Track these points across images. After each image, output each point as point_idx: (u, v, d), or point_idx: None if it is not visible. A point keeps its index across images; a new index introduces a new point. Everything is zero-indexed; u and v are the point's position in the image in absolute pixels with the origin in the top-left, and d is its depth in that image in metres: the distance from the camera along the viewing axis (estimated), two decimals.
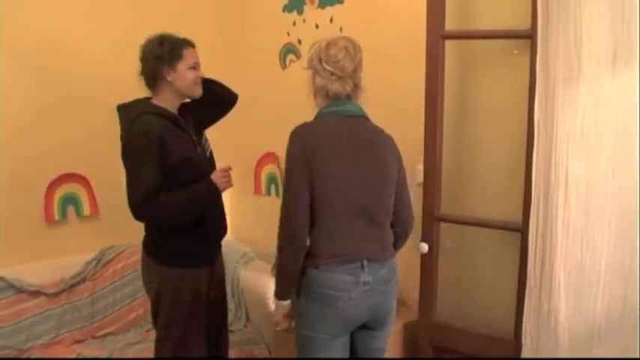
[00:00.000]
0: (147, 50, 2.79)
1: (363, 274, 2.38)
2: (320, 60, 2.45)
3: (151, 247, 2.90)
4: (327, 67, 2.43)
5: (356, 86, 2.49)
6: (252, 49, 4.47)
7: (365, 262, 2.39)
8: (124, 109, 2.82)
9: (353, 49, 2.46)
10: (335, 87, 2.45)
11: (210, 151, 2.99)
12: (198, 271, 2.88)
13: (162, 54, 2.74)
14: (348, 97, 2.48)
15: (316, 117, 2.52)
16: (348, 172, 2.39)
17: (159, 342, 2.93)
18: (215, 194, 2.85)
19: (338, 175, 2.38)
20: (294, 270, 2.41)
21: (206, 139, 3.02)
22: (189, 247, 2.83)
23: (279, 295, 2.51)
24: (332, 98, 2.47)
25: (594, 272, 2.31)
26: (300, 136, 2.44)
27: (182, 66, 2.77)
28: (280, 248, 2.42)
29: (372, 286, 2.40)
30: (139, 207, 2.66)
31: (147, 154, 2.65)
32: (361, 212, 2.41)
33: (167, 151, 2.68)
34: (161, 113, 2.75)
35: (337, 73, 2.43)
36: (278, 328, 2.59)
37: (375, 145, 2.49)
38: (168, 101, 2.82)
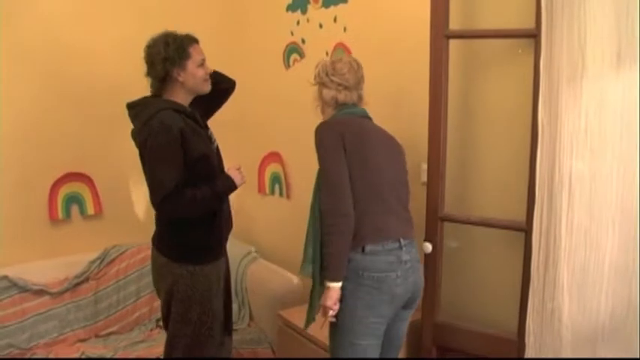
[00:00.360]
0: (153, 52, 2.77)
1: (402, 253, 2.54)
2: (327, 74, 2.71)
3: (164, 244, 2.89)
4: (334, 79, 2.69)
5: (360, 98, 2.76)
6: (255, 49, 4.47)
7: (402, 241, 2.55)
8: (137, 107, 2.81)
9: (356, 65, 2.74)
10: (343, 96, 2.70)
11: (217, 146, 2.99)
12: (208, 268, 2.89)
13: (170, 55, 2.73)
14: (354, 106, 2.74)
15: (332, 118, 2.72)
16: (377, 156, 2.60)
17: (171, 340, 2.92)
18: (232, 189, 2.89)
19: (371, 158, 2.57)
20: (347, 252, 2.48)
21: (212, 133, 3.03)
22: (202, 243, 2.85)
23: (336, 276, 2.50)
24: (341, 105, 2.72)
25: (598, 272, 2.30)
26: (330, 127, 2.62)
27: (191, 65, 2.78)
28: (331, 232, 2.47)
29: (411, 264, 2.57)
30: (164, 204, 2.67)
31: (169, 150, 2.66)
32: (393, 193, 2.61)
33: (188, 146, 2.69)
34: (179, 109, 2.76)
35: (344, 83, 2.69)
36: (330, 316, 2.55)
37: (391, 137, 2.74)
38: (180, 99, 2.83)
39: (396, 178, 2.66)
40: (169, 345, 2.93)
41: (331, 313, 2.52)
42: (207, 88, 2.90)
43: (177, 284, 2.84)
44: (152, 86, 2.85)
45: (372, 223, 2.51)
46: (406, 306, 2.64)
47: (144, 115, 2.73)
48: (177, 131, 2.66)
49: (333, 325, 2.60)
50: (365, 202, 2.50)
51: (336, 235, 2.46)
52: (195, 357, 2.92)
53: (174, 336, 2.92)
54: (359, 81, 2.73)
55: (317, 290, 2.66)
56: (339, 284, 2.48)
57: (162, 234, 2.90)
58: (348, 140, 2.52)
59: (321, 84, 2.74)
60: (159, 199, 2.66)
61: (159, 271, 2.93)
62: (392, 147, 2.71)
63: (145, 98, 2.84)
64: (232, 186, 2.87)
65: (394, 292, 2.52)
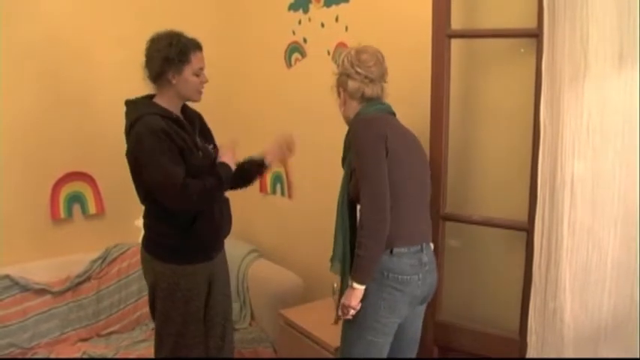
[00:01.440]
0: (155, 48, 2.76)
1: (423, 255, 2.56)
2: (352, 64, 2.61)
3: (148, 241, 2.92)
4: (360, 71, 2.60)
5: (382, 90, 2.69)
6: (257, 48, 4.47)
7: (424, 244, 2.58)
8: (129, 106, 2.83)
9: (381, 57, 2.66)
10: (369, 89, 2.62)
11: (211, 149, 2.98)
12: (194, 267, 2.88)
13: (170, 56, 2.72)
14: (380, 100, 2.68)
15: (362, 113, 2.63)
16: (410, 157, 2.57)
17: (158, 336, 2.96)
18: (230, 172, 2.87)
19: (406, 161, 2.53)
20: (379, 258, 2.46)
21: (214, 147, 3.01)
22: (185, 243, 2.83)
23: (365, 279, 2.47)
24: (367, 99, 2.64)
25: (600, 271, 2.30)
26: (371, 125, 2.55)
27: (188, 70, 2.76)
28: (369, 236, 2.42)
29: (429, 267, 2.59)
30: (178, 199, 2.68)
31: (161, 149, 2.65)
32: (421, 195, 2.61)
33: (173, 143, 2.69)
34: (163, 114, 2.74)
35: (370, 76, 2.61)
36: (349, 315, 2.54)
37: (417, 139, 2.68)
38: (170, 102, 2.82)
39: (424, 180, 2.65)
40: (157, 342, 2.98)
41: (352, 312, 2.51)
42: (197, 97, 2.87)
43: (159, 281, 2.87)
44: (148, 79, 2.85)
45: (403, 226, 2.50)
46: (420, 302, 2.66)
47: (131, 116, 2.76)
48: (160, 131, 2.66)
49: (349, 322, 2.59)
50: (398, 206, 2.47)
51: (373, 241, 2.42)
52: (200, 357, 2.94)
53: (159, 334, 2.96)
54: (383, 74, 2.66)
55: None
56: (364, 286, 2.47)
57: (148, 230, 2.92)
58: (390, 142, 2.46)
59: (346, 75, 2.64)
60: (172, 195, 2.67)
61: (143, 265, 2.99)
62: (420, 148, 2.67)
63: (138, 99, 2.85)
64: (229, 170, 2.86)
65: (414, 294, 2.54)
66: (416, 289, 2.53)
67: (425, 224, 2.64)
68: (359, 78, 2.60)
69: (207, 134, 3.06)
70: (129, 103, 2.83)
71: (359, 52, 2.63)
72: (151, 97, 2.86)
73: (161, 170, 2.65)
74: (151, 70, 2.79)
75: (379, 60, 2.63)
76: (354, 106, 2.66)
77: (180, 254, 2.83)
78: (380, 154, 2.44)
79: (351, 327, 2.59)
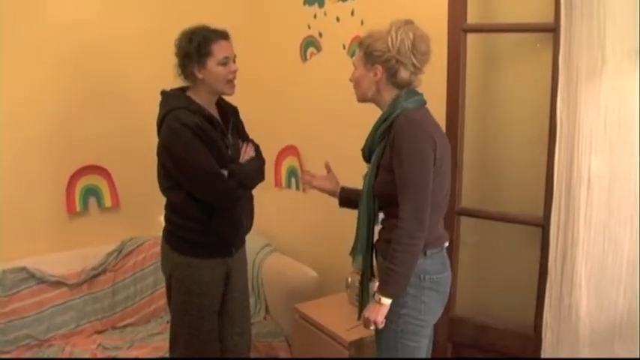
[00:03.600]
0: (178, 45, 2.79)
1: (445, 252, 2.51)
2: (412, 53, 2.34)
3: (167, 232, 2.94)
4: (416, 63, 2.36)
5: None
6: (272, 42, 4.48)
7: (447, 242, 2.53)
8: (163, 96, 2.86)
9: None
10: (416, 80, 2.43)
11: (242, 146, 2.99)
12: (210, 262, 2.90)
13: (190, 52, 2.74)
14: (417, 90, 2.47)
15: (402, 104, 2.37)
16: (448, 164, 2.44)
17: (172, 329, 3.00)
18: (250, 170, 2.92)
19: (445, 165, 2.39)
20: (412, 272, 2.33)
21: (247, 143, 3.02)
22: (202, 237, 2.85)
23: (396, 293, 2.34)
24: (402, 87, 2.41)
25: (616, 268, 2.29)
26: (423, 128, 2.32)
27: (211, 62, 2.75)
28: (406, 251, 2.28)
29: (449, 262, 2.55)
30: (219, 191, 2.75)
31: (194, 144, 2.69)
32: (446, 200, 2.50)
33: (202, 139, 2.71)
34: (194, 109, 2.75)
35: (422, 68, 2.39)
36: (371, 328, 2.42)
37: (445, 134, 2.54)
38: (202, 97, 2.83)
39: (449, 182, 2.49)
40: (172, 336, 3.01)
41: (373, 327, 2.40)
42: (228, 90, 2.87)
43: (175, 273, 2.90)
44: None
45: (437, 230, 2.44)
46: None
47: (163, 109, 2.78)
48: (191, 125, 2.68)
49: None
50: (435, 212, 2.37)
51: (410, 255, 2.28)
52: (209, 355, 2.96)
53: (174, 327, 2.99)
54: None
55: (367, 285, 2.63)
56: (391, 301, 2.35)
57: (167, 221, 2.94)
58: (439, 148, 2.30)
59: (400, 62, 2.35)
60: (212, 193, 2.75)
61: (162, 256, 3.02)
62: (449, 145, 2.47)
63: (172, 91, 2.86)
64: (250, 169, 2.91)
65: (446, 292, 2.50)
66: (447, 286, 2.49)
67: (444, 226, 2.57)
68: (413, 69, 2.37)
69: (241, 130, 3.06)
70: (163, 94, 2.86)
71: (418, 39, 2.34)
72: (185, 88, 2.87)
73: (195, 162, 2.69)
74: (179, 67, 2.81)
75: (430, 49, 2.38)
76: (391, 91, 2.42)
77: (197, 248, 2.85)
78: (429, 164, 2.27)
79: (392, 336, 2.45)
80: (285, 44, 4.30)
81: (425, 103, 2.44)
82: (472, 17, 2.80)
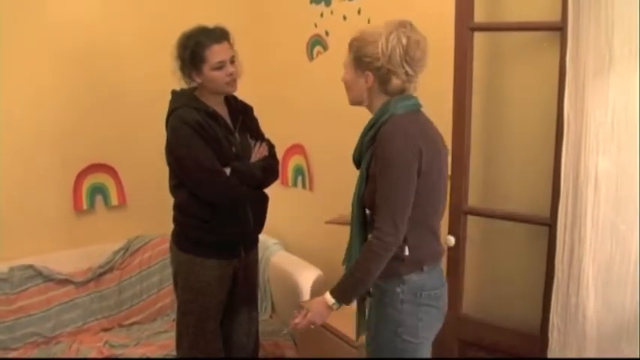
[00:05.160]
0: (176, 52, 2.81)
1: (440, 266, 2.44)
2: (404, 61, 2.20)
3: (174, 231, 2.97)
4: (409, 71, 2.22)
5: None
6: (279, 41, 4.47)
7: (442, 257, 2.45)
8: (172, 95, 2.88)
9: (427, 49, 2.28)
10: (409, 87, 2.29)
11: (251, 146, 2.99)
12: (214, 262, 2.90)
13: (184, 59, 2.77)
14: (410, 94, 2.33)
15: (390, 109, 2.24)
16: (440, 171, 2.32)
17: (178, 327, 3.02)
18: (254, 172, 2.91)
19: (436, 176, 2.27)
20: (376, 277, 2.23)
21: (256, 143, 3.01)
22: (206, 237, 2.86)
23: (350, 299, 2.31)
24: (395, 95, 2.28)
25: (623, 268, 2.28)
26: (406, 136, 2.18)
27: (207, 68, 2.75)
28: (376, 260, 2.18)
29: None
30: (219, 187, 2.77)
31: (193, 141, 2.70)
32: (440, 211, 2.40)
33: (203, 135, 2.72)
34: (196, 107, 2.77)
35: (415, 75, 2.26)
36: (313, 327, 2.40)
37: (442, 142, 2.39)
38: (207, 96, 2.84)
39: (443, 191, 2.38)
40: (177, 334, 3.03)
41: (318, 325, 2.37)
42: (230, 90, 2.86)
43: (179, 271, 2.93)
44: None
45: (433, 245, 2.37)
46: None
47: (170, 107, 2.81)
48: (193, 122, 2.70)
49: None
50: (426, 225, 2.31)
51: (376, 264, 2.18)
52: (213, 354, 2.98)
53: (179, 325, 3.01)
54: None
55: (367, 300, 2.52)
56: (337, 304, 2.29)
57: (173, 220, 2.96)
58: (425, 159, 2.17)
59: (392, 71, 2.21)
60: (211, 183, 2.74)
61: (170, 253, 3.04)
62: (444, 155, 2.37)
63: (180, 91, 2.88)
64: (254, 171, 2.90)
65: (444, 306, 2.43)
66: (445, 300, 2.42)
67: (440, 238, 2.45)
68: (405, 78, 2.23)
69: (252, 129, 3.05)
70: (172, 93, 2.88)
71: (413, 45, 2.20)
72: (195, 88, 2.89)
73: (194, 159, 2.71)
74: (179, 71, 2.83)
75: (426, 54, 2.26)
76: (381, 97, 2.29)
77: (201, 246, 2.86)
78: (410, 172, 2.15)
79: (389, 355, 2.38)
80: (291, 43, 4.30)
81: (418, 107, 2.33)
82: (479, 16, 2.79)
